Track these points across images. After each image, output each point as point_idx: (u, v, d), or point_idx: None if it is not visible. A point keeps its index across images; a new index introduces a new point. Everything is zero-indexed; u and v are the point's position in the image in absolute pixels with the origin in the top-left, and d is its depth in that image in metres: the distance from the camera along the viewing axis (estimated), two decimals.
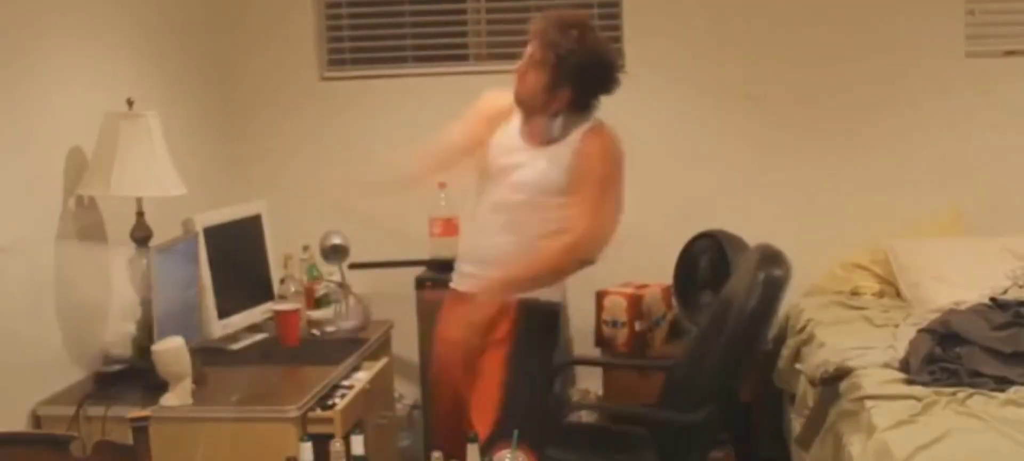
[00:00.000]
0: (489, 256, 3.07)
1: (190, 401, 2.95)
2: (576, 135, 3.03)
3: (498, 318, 3.06)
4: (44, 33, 3.10)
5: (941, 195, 4.31)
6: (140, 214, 3.23)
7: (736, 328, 2.95)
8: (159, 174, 3.19)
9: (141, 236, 3.22)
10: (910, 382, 3.07)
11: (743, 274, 3.08)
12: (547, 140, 3.04)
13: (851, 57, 4.33)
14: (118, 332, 3.27)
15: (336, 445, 2.35)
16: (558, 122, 3.03)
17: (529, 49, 3.01)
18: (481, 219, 3.14)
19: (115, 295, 3.35)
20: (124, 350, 3.24)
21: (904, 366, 3.19)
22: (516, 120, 3.11)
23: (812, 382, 3.41)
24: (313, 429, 2.92)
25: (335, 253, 3.92)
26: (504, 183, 3.06)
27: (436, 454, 2.39)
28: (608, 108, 4.40)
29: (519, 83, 3.03)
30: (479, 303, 3.02)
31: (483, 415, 2.98)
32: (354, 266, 3.98)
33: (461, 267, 3.19)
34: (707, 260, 3.91)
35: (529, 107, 3.05)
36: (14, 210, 2.92)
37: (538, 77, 2.98)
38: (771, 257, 3.00)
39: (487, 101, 3.17)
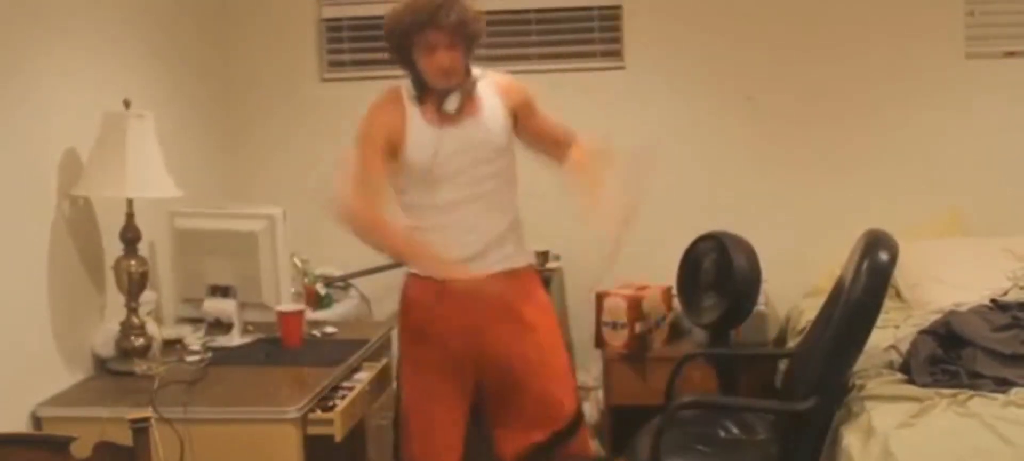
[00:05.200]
0: (489, 239, 2.95)
1: None
2: (484, 86, 2.97)
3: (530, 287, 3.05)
4: (40, 34, 3.09)
5: (941, 196, 4.31)
6: (130, 215, 3.22)
7: (842, 318, 2.93)
8: (153, 176, 3.18)
9: (130, 237, 3.21)
10: (911, 383, 3.07)
11: (851, 261, 3.05)
12: (459, 109, 2.91)
13: (851, 58, 4.34)
14: (117, 333, 3.27)
15: None
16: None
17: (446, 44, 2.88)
18: (453, 217, 2.94)
19: (113, 297, 3.35)
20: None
21: (905, 367, 3.19)
22: (411, 116, 2.93)
23: None
24: (313, 430, 2.92)
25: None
26: (462, 173, 2.92)
27: None
28: (606, 113, 4.42)
29: (453, 72, 2.90)
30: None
31: (566, 390, 3.01)
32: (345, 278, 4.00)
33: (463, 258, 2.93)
34: (710, 262, 3.91)
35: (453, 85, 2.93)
36: (10, 211, 2.92)
37: (459, 57, 2.90)
38: (875, 242, 2.95)
39: (375, 128, 2.93)
